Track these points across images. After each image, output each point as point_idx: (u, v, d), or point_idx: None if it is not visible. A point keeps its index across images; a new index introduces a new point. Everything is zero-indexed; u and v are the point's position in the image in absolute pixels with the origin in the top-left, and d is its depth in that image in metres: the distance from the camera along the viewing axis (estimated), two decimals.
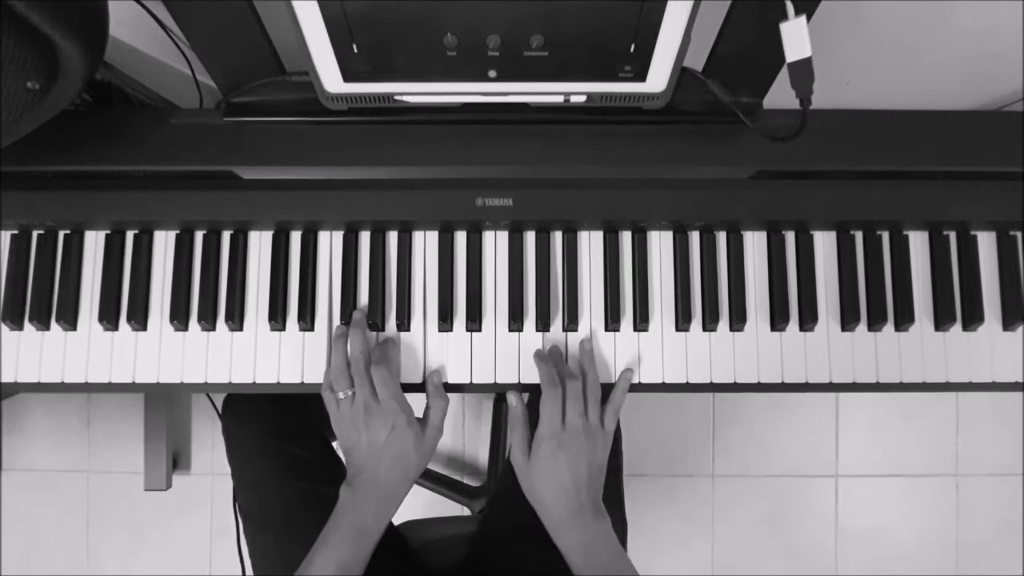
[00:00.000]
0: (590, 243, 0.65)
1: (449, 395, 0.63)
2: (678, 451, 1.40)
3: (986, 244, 0.65)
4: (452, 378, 0.64)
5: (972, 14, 0.60)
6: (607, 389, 0.63)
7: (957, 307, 0.64)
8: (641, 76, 0.53)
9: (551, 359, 0.62)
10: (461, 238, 0.65)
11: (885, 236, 0.65)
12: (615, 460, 0.75)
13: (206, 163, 0.62)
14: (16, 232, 0.65)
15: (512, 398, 0.62)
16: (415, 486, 1.27)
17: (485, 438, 1.38)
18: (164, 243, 0.65)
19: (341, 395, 0.59)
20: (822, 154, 0.62)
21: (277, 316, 0.64)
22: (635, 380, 0.64)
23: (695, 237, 0.65)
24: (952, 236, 0.65)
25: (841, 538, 1.39)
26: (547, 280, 0.64)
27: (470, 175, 0.62)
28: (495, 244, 0.65)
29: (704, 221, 0.64)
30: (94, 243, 0.65)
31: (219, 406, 0.78)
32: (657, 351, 0.64)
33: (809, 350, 0.64)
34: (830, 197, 0.63)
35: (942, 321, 0.64)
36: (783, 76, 0.53)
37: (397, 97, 0.55)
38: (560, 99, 0.56)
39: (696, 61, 0.58)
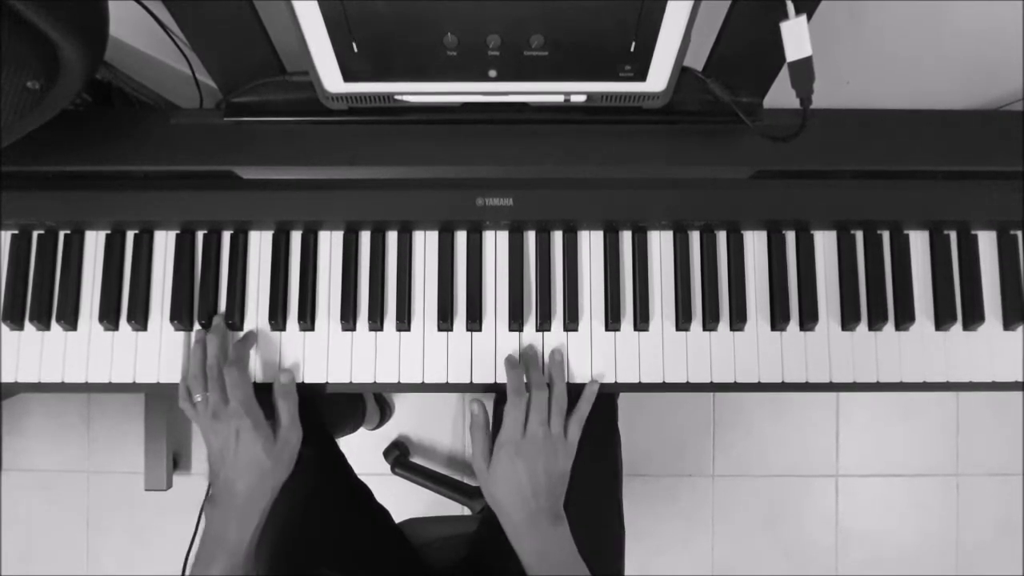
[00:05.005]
0: (590, 243, 0.65)
1: (447, 395, 0.63)
2: (678, 451, 1.39)
3: (986, 243, 0.65)
4: (452, 378, 0.64)
5: (972, 14, 0.60)
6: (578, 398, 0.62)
7: (957, 306, 0.64)
8: (641, 76, 0.53)
9: (524, 362, 0.63)
10: (461, 238, 0.65)
11: (885, 236, 0.65)
12: (613, 468, 0.75)
13: (206, 163, 0.62)
14: (16, 232, 0.65)
15: (475, 405, 0.63)
16: (415, 486, 1.28)
17: None
18: (164, 243, 0.65)
19: (198, 397, 0.59)
20: (822, 154, 0.62)
21: (277, 316, 0.64)
22: (636, 380, 0.64)
23: (695, 237, 0.65)
24: (952, 235, 0.65)
25: (841, 538, 1.39)
26: (547, 280, 0.64)
27: (470, 175, 0.62)
28: (495, 244, 0.65)
29: (704, 221, 0.64)
30: (94, 243, 0.65)
31: None
32: (657, 351, 0.64)
33: (809, 350, 0.64)
34: (830, 197, 0.63)
35: (942, 321, 0.64)
36: (783, 76, 0.53)
37: (397, 97, 0.55)
38: (560, 99, 0.56)
39: (696, 61, 0.58)
